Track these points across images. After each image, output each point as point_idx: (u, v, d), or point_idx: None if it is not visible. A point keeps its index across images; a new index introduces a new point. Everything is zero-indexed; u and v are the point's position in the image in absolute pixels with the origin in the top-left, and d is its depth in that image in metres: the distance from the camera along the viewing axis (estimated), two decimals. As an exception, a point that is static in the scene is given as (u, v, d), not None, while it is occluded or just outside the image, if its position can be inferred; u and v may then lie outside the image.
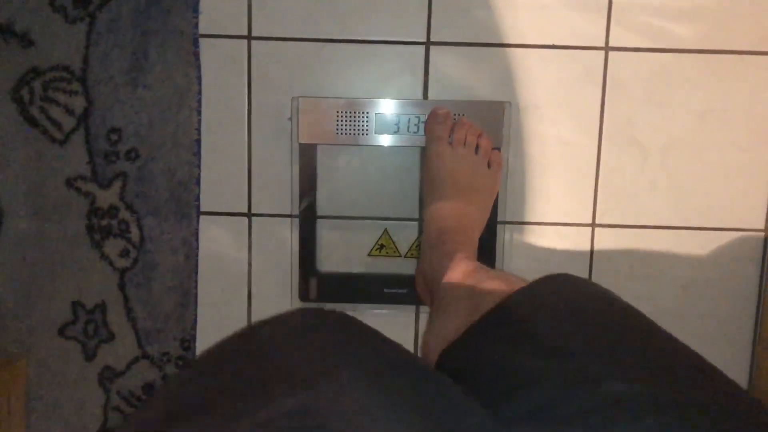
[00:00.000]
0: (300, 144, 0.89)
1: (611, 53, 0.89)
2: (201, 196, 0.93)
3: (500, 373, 0.48)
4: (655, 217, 0.93)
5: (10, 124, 0.91)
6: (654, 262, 0.94)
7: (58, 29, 0.89)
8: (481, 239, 0.87)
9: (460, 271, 0.73)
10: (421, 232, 0.93)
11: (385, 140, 0.88)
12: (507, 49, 0.89)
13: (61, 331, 0.96)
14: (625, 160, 0.91)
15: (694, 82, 0.89)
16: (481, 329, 0.57)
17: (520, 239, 0.93)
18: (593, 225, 0.93)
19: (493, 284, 0.64)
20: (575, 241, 0.93)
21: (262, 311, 0.96)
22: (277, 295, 0.94)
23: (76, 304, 0.95)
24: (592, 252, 0.94)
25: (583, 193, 0.92)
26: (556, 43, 0.89)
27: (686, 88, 0.90)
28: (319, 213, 0.92)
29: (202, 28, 0.89)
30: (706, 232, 0.93)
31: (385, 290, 0.92)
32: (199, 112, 0.91)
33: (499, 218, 0.91)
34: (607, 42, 0.89)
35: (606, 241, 0.93)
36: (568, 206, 0.93)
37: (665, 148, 0.91)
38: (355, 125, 0.88)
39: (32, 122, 0.91)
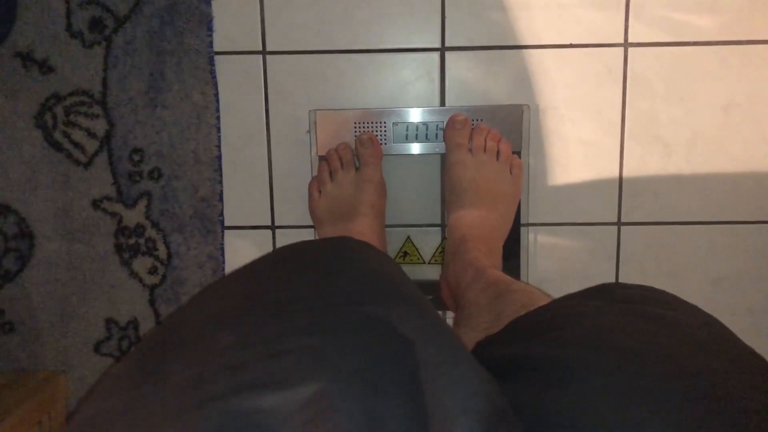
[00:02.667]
0: (319, 156, 0.89)
1: (630, 49, 0.87)
2: (224, 211, 0.94)
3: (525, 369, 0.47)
4: (682, 212, 0.91)
5: (36, 149, 0.93)
6: (682, 258, 0.93)
7: (77, 54, 0.90)
8: (505, 243, 0.87)
9: (483, 281, 0.72)
10: (444, 237, 0.93)
11: (404, 149, 0.88)
12: (523, 50, 0.88)
13: (97, 348, 0.98)
14: (649, 157, 0.90)
15: (717, 75, 0.87)
16: (514, 328, 0.56)
17: (545, 241, 0.93)
18: (619, 223, 0.92)
19: (516, 297, 0.64)
20: (601, 240, 0.93)
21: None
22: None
23: (109, 322, 0.97)
24: (618, 250, 0.93)
25: (608, 192, 0.91)
26: (574, 42, 0.87)
27: (709, 81, 0.88)
28: (342, 223, 0.93)
29: (217, 46, 0.90)
30: (734, 225, 0.91)
31: (411, 297, 0.92)
32: (219, 129, 0.92)
33: (523, 220, 0.90)
34: (626, 38, 0.87)
35: (632, 239, 0.92)
36: (592, 206, 0.92)
37: (689, 143, 0.89)
38: (373, 135, 0.88)
39: (57, 147, 0.92)
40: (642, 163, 0.90)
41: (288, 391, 0.30)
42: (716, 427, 0.32)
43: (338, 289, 0.40)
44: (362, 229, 0.83)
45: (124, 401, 0.33)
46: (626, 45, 0.87)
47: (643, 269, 0.93)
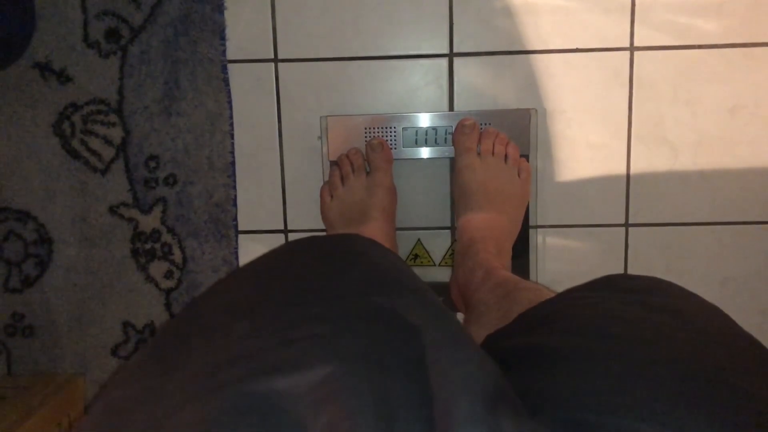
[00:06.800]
0: (330, 161, 0.91)
1: (637, 53, 0.89)
2: (238, 216, 0.96)
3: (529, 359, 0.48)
4: (689, 214, 0.92)
5: (54, 157, 0.95)
6: (690, 259, 0.93)
7: (93, 64, 0.92)
8: (514, 244, 0.88)
9: (492, 281, 0.74)
10: (454, 239, 0.94)
11: (414, 153, 0.90)
12: (531, 55, 0.89)
13: (114, 352, 1.00)
14: (656, 160, 0.91)
15: (723, 77, 0.88)
16: (520, 321, 0.56)
17: (554, 243, 0.94)
18: (626, 225, 0.93)
19: (523, 294, 0.65)
20: (609, 241, 0.94)
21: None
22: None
23: (126, 325, 0.99)
24: (626, 252, 0.94)
25: (615, 194, 0.92)
26: (580, 46, 0.89)
27: (715, 84, 0.89)
28: (353, 227, 0.94)
29: (230, 54, 0.92)
30: (742, 226, 0.92)
31: (422, 299, 0.94)
32: (232, 136, 0.93)
33: (531, 223, 0.92)
34: (632, 42, 0.88)
35: (640, 240, 0.93)
36: (600, 208, 0.93)
37: (696, 145, 0.90)
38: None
39: (74, 154, 0.95)
40: (649, 165, 0.91)
41: (300, 374, 0.32)
42: (713, 409, 0.34)
43: (347, 282, 0.41)
44: (373, 233, 0.85)
45: (142, 388, 0.35)
46: (632, 49, 0.89)
47: (651, 270, 0.94)
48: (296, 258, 0.48)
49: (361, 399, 0.31)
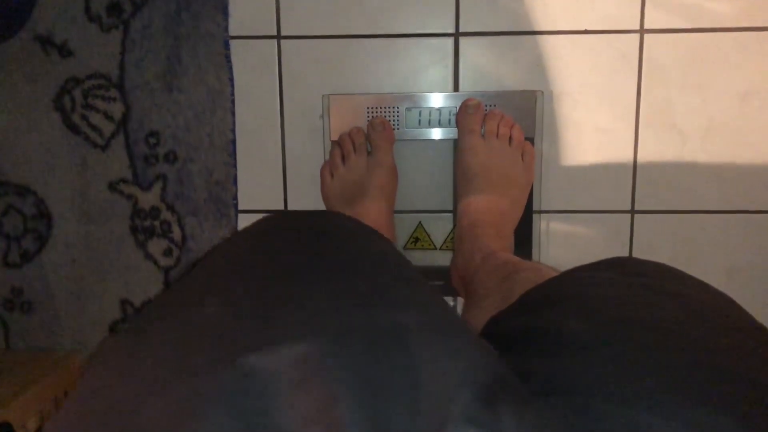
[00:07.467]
0: (332, 141, 0.90)
1: (646, 36, 0.87)
2: (238, 195, 0.95)
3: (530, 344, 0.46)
4: (696, 201, 0.91)
5: (54, 132, 0.94)
6: (696, 247, 0.92)
7: (95, 38, 0.91)
8: (517, 229, 0.86)
9: (492, 264, 0.73)
10: (455, 223, 0.93)
11: (417, 134, 0.88)
12: (538, 36, 0.88)
13: (112, 329, 1.00)
14: (664, 145, 0.89)
15: (734, 62, 0.86)
16: (524, 302, 0.54)
17: (557, 228, 0.93)
18: (632, 211, 0.91)
19: (524, 275, 0.64)
20: (614, 228, 0.92)
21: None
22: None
23: (124, 302, 0.99)
24: (632, 239, 0.92)
25: (622, 180, 0.91)
26: (589, 28, 0.87)
27: (726, 68, 0.87)
28: (354, 208, 0.93)
29: (232, 30, 0.90)
30: (750, 215, 0.90)
31: (422, 283, 0.92)
32: (233, 113, 0.92)
33: (535, 207, 0.90)
34: (642, 24, 0.86)
35: (646, 227, 0.92)
36: (606, 193, 0.91)
37: (705, 131, 0.88)
38: (386, 120, 0.88)
39: (74, 129, 0.94)
40: (657, 151, 0.89)
41: (278, 351, 0.30)
42: (722, 397, 0.32)
43: (327, 263, 0.40)
44: (369, 211, 0.84)
45: (118, 372, 0.33)
46: (642, 31, 0.87)
47: (656, 258, 0.91)
48: (275, 235, 0.47)
49: (346, 382, 0.29)
